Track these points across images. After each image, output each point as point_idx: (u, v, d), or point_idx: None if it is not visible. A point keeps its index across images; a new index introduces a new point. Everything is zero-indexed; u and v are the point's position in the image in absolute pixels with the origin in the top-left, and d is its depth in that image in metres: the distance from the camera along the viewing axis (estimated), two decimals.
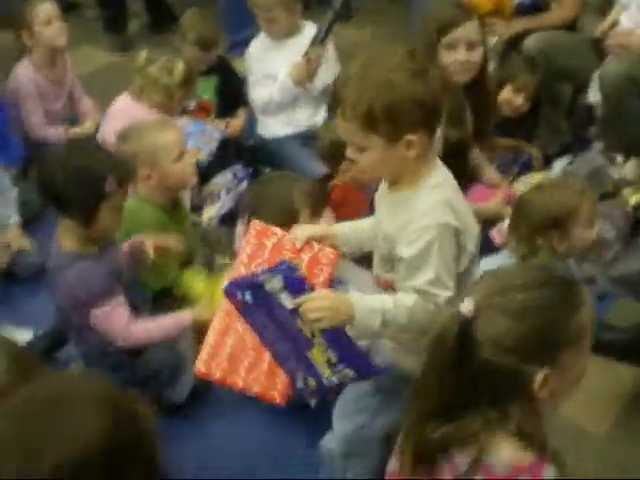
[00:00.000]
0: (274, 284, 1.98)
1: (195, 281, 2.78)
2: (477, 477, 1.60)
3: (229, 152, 4.09)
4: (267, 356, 2.12)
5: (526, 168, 3.93)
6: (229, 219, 3.62)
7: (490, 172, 3.67)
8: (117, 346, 2.67)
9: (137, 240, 2.83)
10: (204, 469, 2.70)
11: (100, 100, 4.31)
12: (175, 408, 2.86)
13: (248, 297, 2.03)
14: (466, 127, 3.43)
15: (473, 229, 2.09)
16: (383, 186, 2.16)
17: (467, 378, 1.58)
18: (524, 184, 3.54)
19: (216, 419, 2.92)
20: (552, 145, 4.22)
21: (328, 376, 2.05)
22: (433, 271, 1.96)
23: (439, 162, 2.12)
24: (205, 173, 3.75)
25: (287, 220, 2.73)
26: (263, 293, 2.00)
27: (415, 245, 1.96)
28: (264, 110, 4.08)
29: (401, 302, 1.98)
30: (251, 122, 4.24)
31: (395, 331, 2.03)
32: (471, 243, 2.06)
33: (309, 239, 2.16)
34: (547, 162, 4.07)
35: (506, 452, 1.58)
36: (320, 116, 4.07)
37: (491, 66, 3.99)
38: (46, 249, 3.49)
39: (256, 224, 2.22)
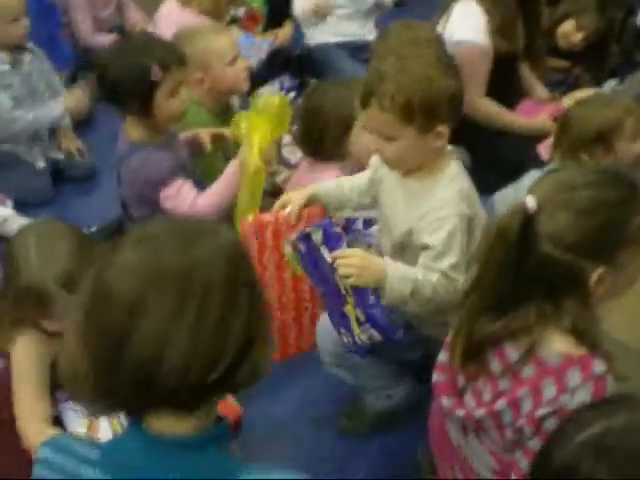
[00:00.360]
0: (317, 236, 2.09)
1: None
2: (528, 367, 1.66)
3: (277, 63, 4.11)
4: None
5: (575, 88, 3.91)
6: None
7: (539, 88, 3.68)
8: None
9: (193, 132, 2.89)
10: None
11: (145, 6, 4.32)
12: None
13: (302, 247, 2.15)
14: (517, 40, 3.45)
15: (482, 217, 2.20)
16: (393, 176, 2.23)
17: (525, 272, 1.62)
18: (572, 99, 3.53)
19: None
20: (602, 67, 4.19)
21: (359, 334, 2.12)
22: (455, 257, 2.07)
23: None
24: (253, 82, 3.76)
25: (342, 129, 2.78)
26: (311, 244, 2.11)
27: (439, 233, 2.07)
28: (305, 20, 4.08)
29: (428, 276, 2.06)
30: (299, 32, 4.24)
31: (419, 303, 2.10)
32: (478, 230, 2.14)
33: (299, 210, 2.29)
34: (597, 84, 4.03)
35: (559, 344, 1.64)
36: (368, 30, 4.07)
37: None
38: (94, 152, 3.61)
39: (245, 225, 2.34)
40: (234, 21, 4.06)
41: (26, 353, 2.04)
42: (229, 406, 2.18)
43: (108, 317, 1.15)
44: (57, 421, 2.06)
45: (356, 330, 2.12)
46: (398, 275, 2.04)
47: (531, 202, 1.62)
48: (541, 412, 1.62)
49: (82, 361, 1.18)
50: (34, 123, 3.47)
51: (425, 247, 2.10)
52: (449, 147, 3.45)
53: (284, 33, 4.26)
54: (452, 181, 2.14)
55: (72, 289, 1.92)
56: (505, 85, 3.53)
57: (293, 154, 3.40)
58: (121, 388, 1.16)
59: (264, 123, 2.65)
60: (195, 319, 1.14)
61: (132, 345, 1.13)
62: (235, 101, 3.33)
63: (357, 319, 2.10)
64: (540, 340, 1.65)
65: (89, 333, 1.18)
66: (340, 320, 2.17)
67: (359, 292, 2.06)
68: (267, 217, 2.36)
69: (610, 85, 4.00)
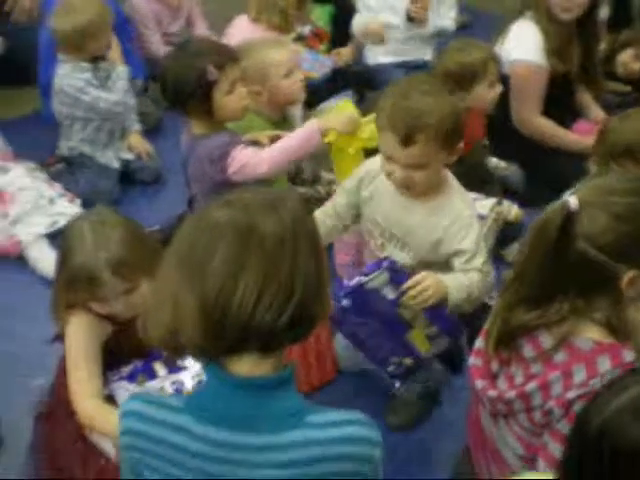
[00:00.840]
0: (380, 280, 2.23)
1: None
2: (560, 352, 1.74)
3: (340, 79, 4.22)
4: None
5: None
6: None
7: (594, 109, 3.74)
8: None
9: (252, 135, 2.99)
10: None
11: (215, 23, 4.49)
12: None
13: (346, 302, 2.26)
14: (573, 62, 3.52)
15: None
16: (388, 195, 2.38)
17: (562, 267, 1.71)
18: None
19: None
20: None
21: (426, 350, 2.34)
22: (484, 254, 2.32)
23: None
24: (316, 97, 3.89)
25: None
26: (363, 292, 2.24)
27: (468, 238, 2.29)
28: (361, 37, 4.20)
29: (470, 278, 2.26)
30: (361, 51, 4.36)
31: (471, 304, 2.31)
32: None
33: None
34: None
35: (590, 333, 1.72)
36: (426, 52, 4.18)
37: (604, 12, 4.04)
38: (161, 157, 3.77)
39: None
40: (300, 39, 4.18)
41: (79, 333, 2.13)
42: None
43: (210, 271, 1.29)
44: (109, 400, 2.12)
45: (423, 348, 2.33)
46: (456, 285, 2.24)
47: (573, 201, 1.70)
48: (571, 395, 1.69)
49: (185, 310, 1.30)
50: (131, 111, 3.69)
51: (457, 253, 2.30)
52: (503, 164, 3.56)
53: (346, 52, 4.36)
54: (459, 190, 2.38)
55: (122, 275, 2.03)
56: (561, 105, 3.61)
57: None
58: (226, 332, 1.29)
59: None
60: (289, 269, 1.30)
61: (236, 292, 1.28)
62: (296, 111, 3.45)
63: (427, 337, 2.30)
64: (573, 330, 1.73)
65: (192, 285, 1.30)
66: (394, 350, 2.32)
67: (434, 310, 2.25)
68: None
69: None
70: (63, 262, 2.12)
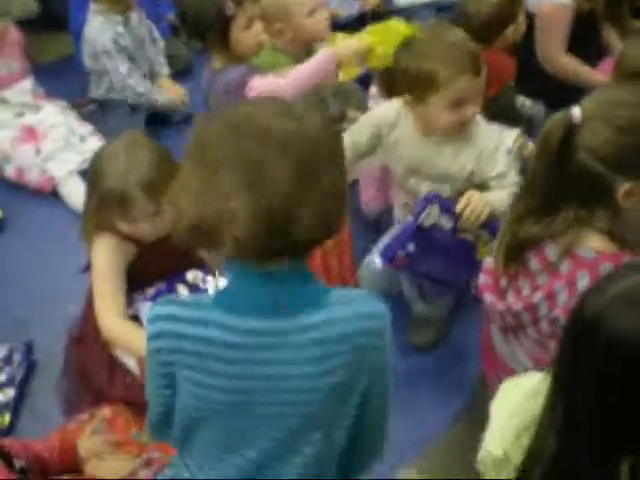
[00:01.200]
0: (432, 215, 2.34)
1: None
2: (564, 263, 1.79)
3: (367, 20, 4.23)
4: None
5: None
6: (364, 81, 3.81)
7: (620, 47, 3.71)
8: None
9: (278, 72, 3.03)
10: None
11: None
12: None
13: (411, 247, 2.36)
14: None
15: None
16: (424, 143, 2.49)
17: (564, 178, 1.76)
18: None
19: None
20: None
21: None
22: (514, 169, 2.49)
23: None
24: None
25: None
26: (424, 231, 2.34)
27: (499, 163, 2.45)
28: None
29: (510, 192, 2.38)
30: None
31: None
32: None
33: None
34: None
35: (593, 243, 1.77)
36: None
37: None
38: (192, 98, 3.83)
39: None
40: None
41: (105, 252, 2.20)
42: None
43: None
44: (134, 320, 2.20)
45: None
46: (497, 199, 2.38)
47: (576, 113, 1.74)
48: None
49: (239, 212, 1.29)
50: (137, 97, 3.70)
51: (491, 178, 2.44)
52: (528, 102, 3.57)
53: None
54: (481, 122, 2.50)
55: (151, 195, 2.10)
56: (586, 44, 3.59)
57: (377, 104, 3.54)
58: (275, 242, 1.32)
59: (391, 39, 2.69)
60: (333, 185, 1.34)
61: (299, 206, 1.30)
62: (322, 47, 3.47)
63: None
64: (577, 240, 1.78)
65: (251, 192, 1.29)
66: (471, 271, 2.34)
67: (489, 224, 2.37)
68: None
69: None
70: (95, 183, 2.18)
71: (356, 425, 1.52)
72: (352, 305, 1.43)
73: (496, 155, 2.45)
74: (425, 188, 2.51)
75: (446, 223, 2.36)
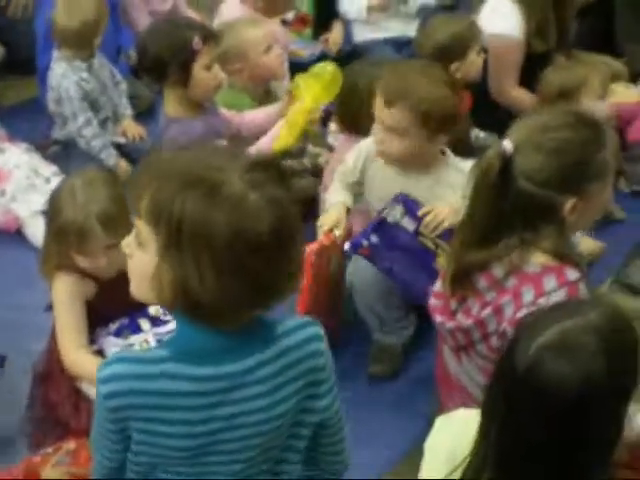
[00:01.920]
0: (396, 213, 2.44)
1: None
2: (510, 279, 1.87)
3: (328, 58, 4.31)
4: None
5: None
6: (325, 118, 3.89)
7: None
8: None
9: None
10: None
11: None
12: None
13: (374, 239, 2.48)
14: (551, 38, 3.62)
15: None
16: (398, 178, 2.58)
17: (507, 206, 1.84)
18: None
19: None
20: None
21: None
22: None
23: None
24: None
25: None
26: (386, 228, 2.45)
27: None
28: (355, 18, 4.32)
29: None
30: (348, 31, 4.46)
31: None
32: None
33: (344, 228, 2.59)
34: (634, 80, 4.09)
35: (539, 260, 1.86)
36: (412, 29, 4.27)
37: None
38: (154, 138, 3.87)
39: (311, 253, 2.49)
40: (284, 24, 4.25)
41: (64, 290, 2.24)
42: None
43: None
44: (99, 354, 2.24)
45: None
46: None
47: (508, 144, 1.83)
48: (521, 314, 1.82)
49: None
50: (91, 150, 3.69)
51: None
52: (482, 134, 3.67)
53: (335, 37, 4.44)
54: (455, 161, 2.60)
55: (109, 228, 2.14)
56: (538, 76, 3.69)
57: (335, 140, 3.62)
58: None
59: (317, 85, 2.96)
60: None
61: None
62: (278, 87, 3.55)
63: None
64: (522, 259, 1.86)
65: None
66: (430, 279, 2.36)
67: (451, 235, 2.36)
68: (325, 240, 2.54)
69: None
70: (53, 218, 2.23)
71: (315, 444, 1.59)
72: (297, 333, 1.49)
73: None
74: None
75: (408, 225, 2.46)
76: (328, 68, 2.98)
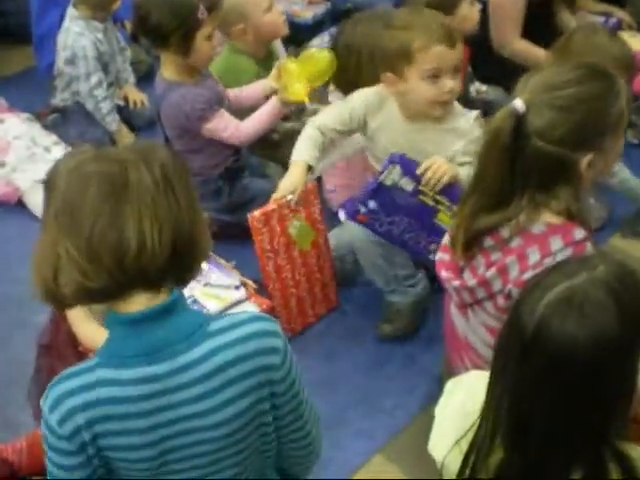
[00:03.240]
0: (394, 175, 2.39)
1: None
2: (515, 238, 1.83)
3: (327, 21, 4.27)
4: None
5: (616, 31, 3.95)
6: None
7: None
8: (218, 169, 3.01)
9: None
10: None
11: None
12: None
13: (372, 204, 2.44)
14: None
15: None
16: (408, 127, 2.54)
17: (520, 168, 1.80)
18: None
19: None
20: None
21: None
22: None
23: None
24: (300, 33, 3.97)
25: (375, 60, 2.92)
26: (385, 190, 2.41)
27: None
28: None
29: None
30: None
31: None
32: None
33: (300, 193, 2.56)
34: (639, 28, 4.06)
35: (546, 219, 1.82)
36: None
37: None
38: (153, 102, 3.83)
39: (253, 218, 2.53)
40: None
41: None
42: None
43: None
44: None
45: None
46: (461, 169, 2.43)
47: (519, 104, 1.78)
48: (527, 276, 1.79)
49: (68, 256, 1.33)
50: (98, 112, 3.69)
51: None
52: (484, 87, 3.60)
53: None
54: (461, 110, 2.58)
55: None
56: (542, 27, 3.62)
57: (338, 98, 3.56)
58: (110, 273, 1.33)
59: (304, 73, 2.87)
60: (163, 212, 1.35)
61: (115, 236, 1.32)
62: (278, 47, 3.50)
63: (452, 217, 2.33)
64: (530, 220, 1.82)
65: (70, 232, 1.35)
66: (430, 236, 2.46)
67: (450, 190, 2.40)
68: (271, 206, 2.57)
69: None
70: (47, 196, 2.20)
71: (279, 440, 1.55)
72: (235, 330, 1.43)
73: (471, 136, 2.48)
74: None
75: (407, 185, 2.41)
76: (324, 54, 2.88)
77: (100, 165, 1.37)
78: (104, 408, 1.38)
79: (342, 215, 2.55)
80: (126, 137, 3.74)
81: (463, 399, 1.51)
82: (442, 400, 1.59)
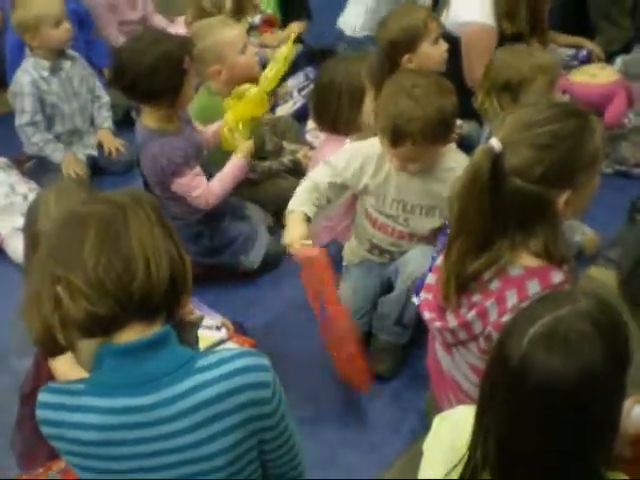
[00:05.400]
0: None
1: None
2: (495, 281, 1.84)
3: (301, 58, 4.30)
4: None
5: (586, 63, 4.02)
6: (301, 115, 3.89)
7: None
8: (197, 215, 3.02)
9: (218, 125, 3.10)
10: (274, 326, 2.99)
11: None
12: (248, 274, 3.16)
13: None
14: (521, 20, 3.60)
15: None
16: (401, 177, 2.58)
17: (500, 207, 1.80)
18: (580, 74, 3.67)
19: (286, 284, 3.15)
20: (614, 42, 4.29)
21: None
22: None
23: None
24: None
25: (354, 102, 2.97)
26: None
27: None
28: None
29: None
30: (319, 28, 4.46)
31: None
32: None
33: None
34: (609, 59, 4.09)
35: (524, 262, 1.83)
36: None
37: None
38: (134, 148, 3.83)
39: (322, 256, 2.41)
40: (252, 28, 4.25)
41: None
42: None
43: None
44: None
45: None
46: None
47: (496, 143, 1.79)
48: (505, 319, 1.78)
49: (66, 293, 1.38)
50: (33, 147, 3.69)
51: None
52: (459, 122, 3.65)
53: (296, 25, 4.46)
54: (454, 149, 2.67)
55: None
56: None
57: (316, 137, 3.60)
58: (108, 304, 1.38)
59: (239, 106, 2.98)
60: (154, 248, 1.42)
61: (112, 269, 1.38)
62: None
63: None
64: (510, 262, 1.83)
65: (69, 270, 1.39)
66: None
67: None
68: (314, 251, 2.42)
69: (622, 60, 4.09)
70: (29, 230, 2.17)
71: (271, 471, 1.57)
72: (223, 366, 1.45)
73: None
74: (417, 220, 2.62)
75: None
76: (249, 89, 3.02)
77: (94, 207, 1.44)
78: (67, 430, 1.43)
79: (416, 300, 2.36)
80: (75, 164, 3.74)
81: (451, 434, 1.51)
82: (430, 435, 1.59)
